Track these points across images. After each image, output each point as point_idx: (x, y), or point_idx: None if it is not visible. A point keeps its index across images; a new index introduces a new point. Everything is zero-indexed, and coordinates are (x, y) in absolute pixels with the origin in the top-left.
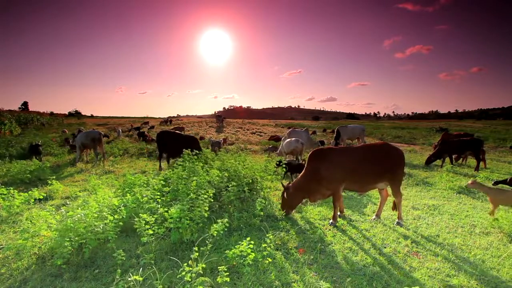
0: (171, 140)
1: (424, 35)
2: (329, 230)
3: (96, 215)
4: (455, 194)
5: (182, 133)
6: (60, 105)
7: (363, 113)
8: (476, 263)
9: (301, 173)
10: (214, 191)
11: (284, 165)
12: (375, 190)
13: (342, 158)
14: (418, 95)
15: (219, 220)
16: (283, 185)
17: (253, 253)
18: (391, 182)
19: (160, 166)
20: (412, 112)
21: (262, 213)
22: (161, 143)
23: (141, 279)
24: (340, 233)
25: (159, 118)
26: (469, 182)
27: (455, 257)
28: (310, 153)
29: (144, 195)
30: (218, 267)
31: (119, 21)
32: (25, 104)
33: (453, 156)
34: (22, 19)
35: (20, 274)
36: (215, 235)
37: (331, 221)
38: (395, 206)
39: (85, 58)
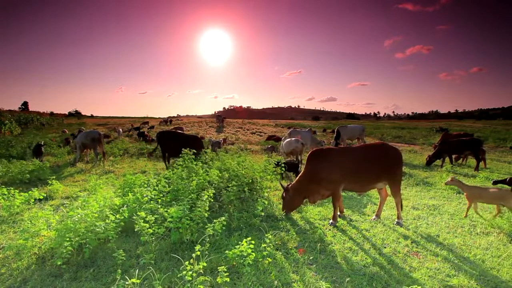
0: (172, 140)
1: (424, 35)
2: (329, 230)
3: (96, 215)
4: (455, 194)
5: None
6: (60, 105)
7: (363, 113)
8: (476, 263)
9: (300, 174)
10: (214, 191)
11: (283, 165)
12: (374, 190)
13: (342, 158)
14: (418, 95)
15: (215, 220)
16: (282, 186)
17: (253, 253)
18: (390, 182)
19: (166, 166)
20: (412, 112)
21: (262, 213)
22: (162, 143)
23: (138, 281)
24: (340, 233)
25: (159, 118)
26: (448, 179)
27: (455, 257)
28: (308, 153)
29: (144, 195)
30: (218, 267)
31: (119, 21)
32: (25, 104)
33: (454, 156)
34: (22, 19)
35: (20, 274)
36: (211, 233)
37: (331, 221)
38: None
39: (85, 58)
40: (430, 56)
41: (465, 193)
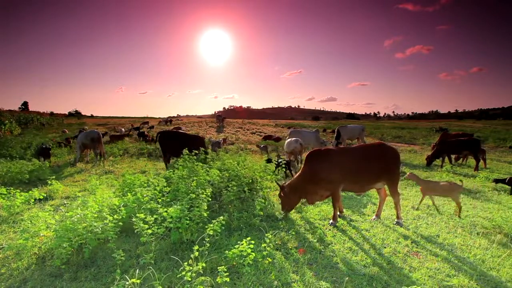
0: (173, 140)
1: (424, 35)
2: (329, 230)
3: (96, 215)
4: None
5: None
6: (60, 105)
7: (363, 113)
8: (476, 263)
9: (298, 173)
10: (211, 190)
11: (283, 165)
12: (374, 190)
13: (341, 159)
14: (418, 95)
15: (213, 220)
16: (278, 184)
17: (253, 253)
18: (388, 182)
19: (166, 166)
20: (412, 112)
21: (261, 213)
22: (162, 143)
23: (138, 281)
24: (340, 233)
25: (159, 118)
26: (407, 174)
27: (455, 257)
28: (307, 154)
29: (144, 195)
30: (218, 267)
31: (119, 21)
32: (25, 104)
33: (454, 156)
34: (22, 19)
35: (20, 274)
36: (211, 233)
37: (331, 221)
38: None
39: (85, 58)
40: (430, 56)
41: (420, 187)
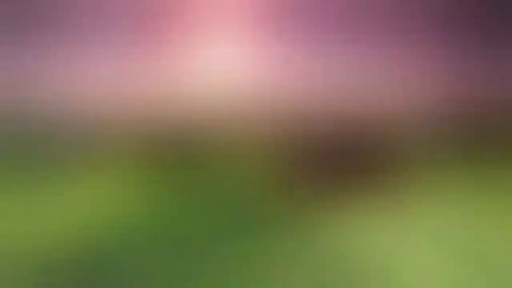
0: None
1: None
2: (330, 230)
3: (97, 215)
4: None
5: None
6: None
7: None
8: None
9: None
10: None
11: None
12: None
13: None
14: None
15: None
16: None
17: (253, 254)
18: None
19: None
20: None
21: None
22: None
23: (140, 279)
24: (341, 234)
25: None
26: None
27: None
28: None
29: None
30: (218, 268)
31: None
32: None
33: None
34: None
35: (20, 275)
36: (213, 233)
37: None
38: None
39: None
40: None
41: None
